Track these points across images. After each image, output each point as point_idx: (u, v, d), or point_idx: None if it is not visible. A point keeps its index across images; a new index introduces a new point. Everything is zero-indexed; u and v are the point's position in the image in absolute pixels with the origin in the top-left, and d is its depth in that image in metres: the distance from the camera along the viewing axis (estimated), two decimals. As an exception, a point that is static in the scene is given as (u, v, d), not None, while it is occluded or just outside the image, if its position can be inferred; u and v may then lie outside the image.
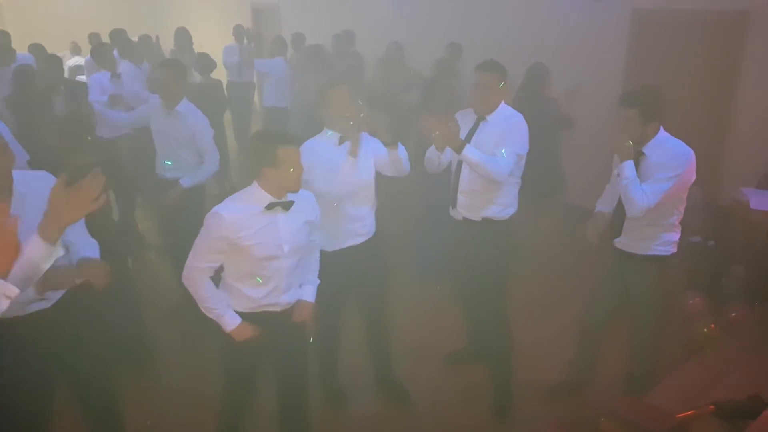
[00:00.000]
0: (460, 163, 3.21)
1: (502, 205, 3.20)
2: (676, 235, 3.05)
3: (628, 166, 2.86)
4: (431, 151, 3.19)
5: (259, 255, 2.48)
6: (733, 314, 4.25)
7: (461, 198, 3.26)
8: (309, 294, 2.79)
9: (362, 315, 3.45)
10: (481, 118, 3.17)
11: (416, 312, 4.47)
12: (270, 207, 2.46)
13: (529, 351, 3.84)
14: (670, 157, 2.85)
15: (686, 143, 2.90)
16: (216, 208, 2.45)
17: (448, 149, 3.07)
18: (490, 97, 3.11)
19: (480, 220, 3.23)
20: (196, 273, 2.50)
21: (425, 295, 4.69)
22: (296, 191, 2.52)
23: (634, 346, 3.37)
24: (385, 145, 3.02)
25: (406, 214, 5.36)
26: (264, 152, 2.41)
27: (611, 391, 3.42)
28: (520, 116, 3.13)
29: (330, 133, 2.99)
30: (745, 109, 5.21)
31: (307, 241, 2.67)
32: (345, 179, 2.93)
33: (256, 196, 2.47)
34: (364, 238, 3.17)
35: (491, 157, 2.99)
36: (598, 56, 5.99)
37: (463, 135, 3.03)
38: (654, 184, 2.84)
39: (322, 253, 2.93)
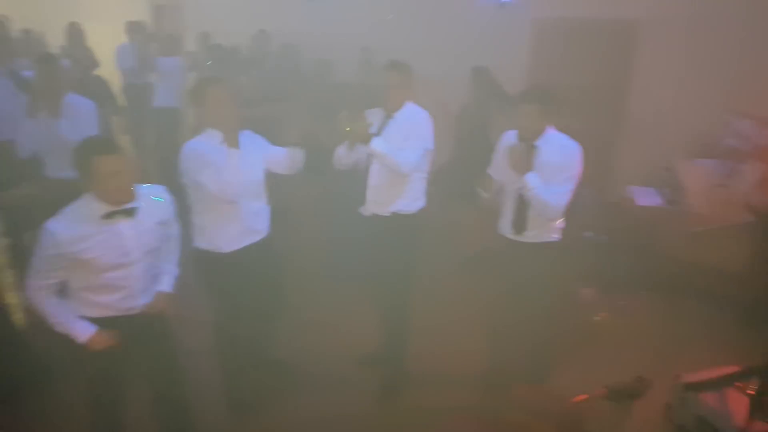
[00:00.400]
0: (370, 160, 3.25)
1: (410, 199, 3.29)
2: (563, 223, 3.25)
3: (532, 177, 2.98)
4: (342, 148, 3.22)
5: (103, 266, 2.34)
6: (622, 303, 4.54)
7: (370, 193, 3.32)
8: (166, 284, 2.65)
9: (263, 318, 3.38)
10: (388, 116, 3.24)
11: (330, 314, 4.43)
12: (108, 216, 2.33)
13: (437, 344, 3.91)
14: (565, 156, 3.01)
15: (581, 146, 3.06)
16: (47, 223, 2.26)
17: (359, 148, 3.13)
18: (397, 96, 3.20)
19: (389, 214, 3.28)
20: (36, 292, 2.33)
21: (338, 295, 4.66)
22: (127, 201, 2.36)
23: (534, 335, 3.50)
24: (290, 144, 3.02)
25: (317, 215, 5.32)
26: (80, 164, 2.26)
27: (514, 381, 3.54)
28: (425, 113, 3.24)
29: (211, 132, 2.94)
30: (633, 114, 5.61)
31: (160, 242, 2.56)
32: (234, 178, 2.88)
33: (90, 207, 2.32)
34: (261, 236, 3.14)
35: (398, 150, 3.08)
36: (502, 61, 6.22)
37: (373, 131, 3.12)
38: (562, 185, 3.00)
39: (220, 255, 2.86)
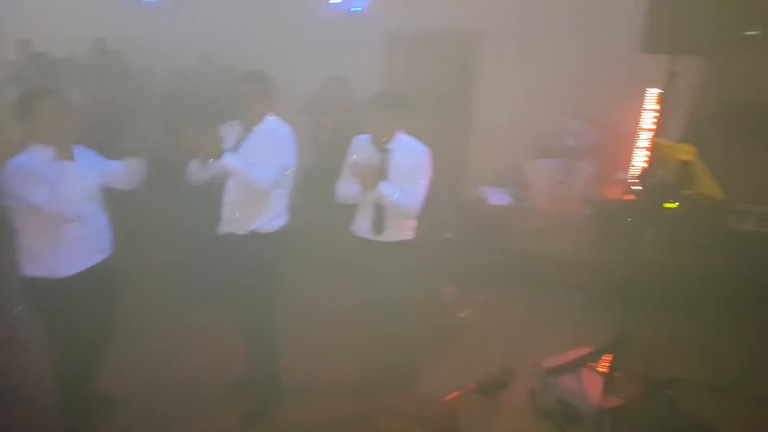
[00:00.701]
0: (226, 176, 3.06)
1: (270, 217, 3.11)
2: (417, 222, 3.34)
3: (385, 186, 2.99)
4: (194, 162, 2.98)
5: None
6: (482, 298, 4.74)
7: (226, 210, 3.11)
8: None
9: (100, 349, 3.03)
10: (247, 130, 3.06)
11: (185, 341, 4.08)
12: None
13: (307, 358, 3.77)
14: (415, 159, 3.09)
15: (434, 151, 3.17)
16: None
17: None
18: (255, 109, 3.03)
19: (246, 233, 3.09)
20: None
21: (193, 321, 4.32)
22: None
23: (401, 337, 3.50)
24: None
25: (168, 234, 4.93)
26: None
27: (385, 386, 3.51)
28: (287, 128, 3.10)
29: (39, 148, 2.63)
30: (481, 119, 5.94)
31: None
32: (71, 194, 2.60)
33: None
34: (103, 255, 2.83)
35: (252, 166, 2.91)
36: (356, 69, 6.27)
37: (230, 146, 2.94)
38: (415, 186, 3.08)
39: (56, 281, 2.57)
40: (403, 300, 3.28)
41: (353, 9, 6.54)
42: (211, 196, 3.16)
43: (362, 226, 3.21)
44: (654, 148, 2.77)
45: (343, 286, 3.38)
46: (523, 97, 5.58)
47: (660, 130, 3.93)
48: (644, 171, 3.26)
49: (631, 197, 3.88)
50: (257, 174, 2.91)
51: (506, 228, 4.86)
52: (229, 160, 2.86)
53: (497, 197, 5.09)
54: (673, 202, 2.59)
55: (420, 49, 6.17)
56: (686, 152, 2.22)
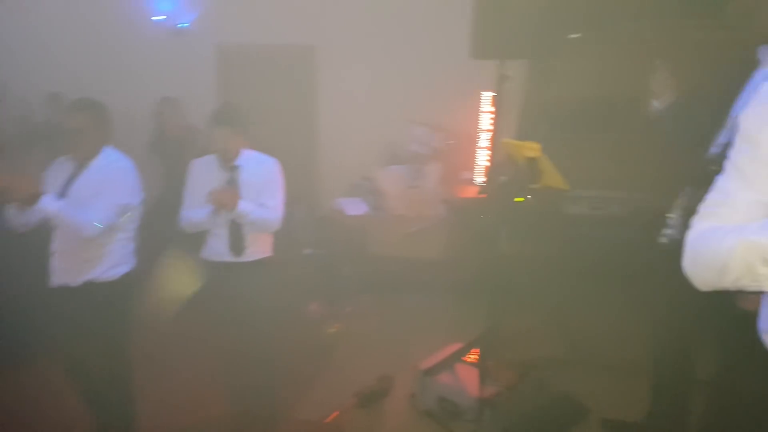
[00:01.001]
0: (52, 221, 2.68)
1: (109, 265, 2.77)
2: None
3: (244, 205, 2.94)
4: (10, 208, 2.57)
5: None
6: (349, 310, 4.73)
7: (55, 260, 2.72)
8: None
9: None
10: (81, 166, 2.70)
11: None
12: None
13: (174, 405, 3.46)
14: (266, 172, 3.07)
15: (283, 167, 3.15)
16: None
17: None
18: (86, 141, 2.68)
19: (80, 284, 2.73)
20: None
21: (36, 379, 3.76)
22: None
23: (272, 362, 3.37)
24: None
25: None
26: None
27: (261, 419, 3.34)
28: (126, 162, 2.78)
29: None
30: (328, 130, 5.94)
31: None
32: None
33: None
34: None
35: (77, 209, 2.56)
36: (187, 90, 5.94)
37: (59, 185, 2.61)
38: (274, 199, 3.05)
39: None
40: (270, 322, 3.16)
41: (180, 25, 6.19)
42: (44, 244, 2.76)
43: (218, 249, 3.06)
44: (502, 147, 2.95)
45: (205, 317, 3.17)
46: (365, 107, 5.69)
47: (499, 130, 4.23)
48: (493, 169, 3.50)
49: (484, 195, 4.14)
50: (83, 218, 2.55)
51: (367, 237, 4.90)
52: (46, 204, 2.46)
53: (354, 207, 5.12)
54: (522, 197, 2.77)
55: (254, 64, 6.02)
56: (533, 149, 2.39)
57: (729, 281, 1.14)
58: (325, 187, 5.91)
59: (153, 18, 6.07)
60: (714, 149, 2.28)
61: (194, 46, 6.03)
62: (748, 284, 1.12)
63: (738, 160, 1.20)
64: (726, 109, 2.26)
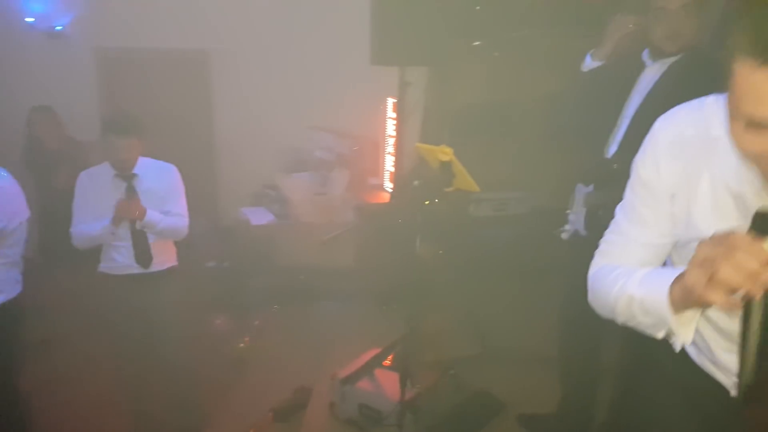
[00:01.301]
0: None
1: None
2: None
3: (152, 214, 2.91)
4: None
5: None
6: (257, 323, 4.60)
7: None
8: None
9: None
10: None
11: None
12: None
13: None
14: (166, 179, 3.04)
15: (181, 175, 3.12)
16: None
17: None
18: None
19: None
20: None
21: None
22: None
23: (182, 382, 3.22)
24: None
25: None
26: None
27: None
28: (8, 182, 2.55)
29: None
30: (225, 138, 5.73)
31: None
32: None
33: None
34: None
35: None
36: (64, 98, 5.49)
37: None
38: (178, 206, 3.06)
39: None
40: (181, 335, 3.09)
41: (57, 27, 5.72)
42: None
43: (122, 262, 2.96)
44: (415, 152, 2.99)
45: (113, 334, 2.97)
46: (266, 113, 5.56)
47: (404, 135, 4.30)
48: (400, 174, 3.54)
49: (392, 199, 4.18)
50: None
51: (275, 247, 4.79)
52: None
53: (259, 217, 4.99)
54: (432, 200, 2.82)
55: (140, 70, 5.67)
56: (445, 153, 2.43)
57: (620, 321, 1.23)
58: (227, 196, 5.71)
59: (25, 20, 5.56)
60: (612, 148, 2.44)
61: (71, 51, 5.58)
62: (635, 327, 1.20)
63: (635, 202, 1.25)
64: (619, 109, 2.44)
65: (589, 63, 2.57)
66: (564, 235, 2.76)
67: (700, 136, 1.11)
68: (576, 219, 2.64)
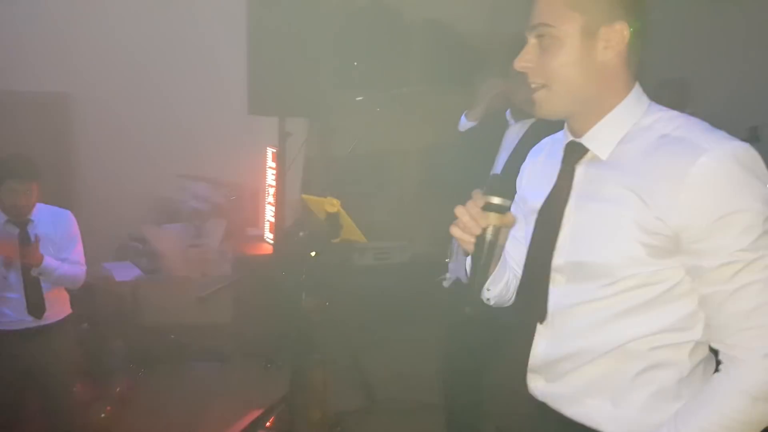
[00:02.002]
0: None
1: None
2: None
3: (50, 261, 2.82)
4: None
5: None
6: (119, 389, 4.18)
7: None
8: None
9: None
10: None
11: None
12: None
13: None
14: (62, 225, 2.97)
15: None
16: None
17: None
18: None
19: None
20: None
21: None
22: None
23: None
24: None
25: None
26: None
27: None
28: None
29: None
30: (87, 185, 5.26)
31: None
32: None
33: None
34: None
35: None
36: None
37: None
38: (76, 254, 3.02)
39: None
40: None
41: None
42: None
43: (13, 315, 2.82)
44: (302, 203, 2.96)
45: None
46: (135, 161, 5.21)
47: (284, 185, 4.23)
48: (280, 224, 3.46)
49: (274, 251, 4.05)
50: None
51: (142, 305, 4.41)
52: None
53: (124, 272, 4.59)
54: (318, 251, 2.79)
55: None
56: (333, 205, 2.44)
57: None
58: (87, 251, 5.18)
59: None
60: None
61: None
62: None
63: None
64: (490, 164, 2.62)
65: (464, 123, 2.77)
66: (445, 283, 2.85)
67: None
68: (455, 267, 2.74)
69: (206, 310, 4.37)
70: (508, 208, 1.21)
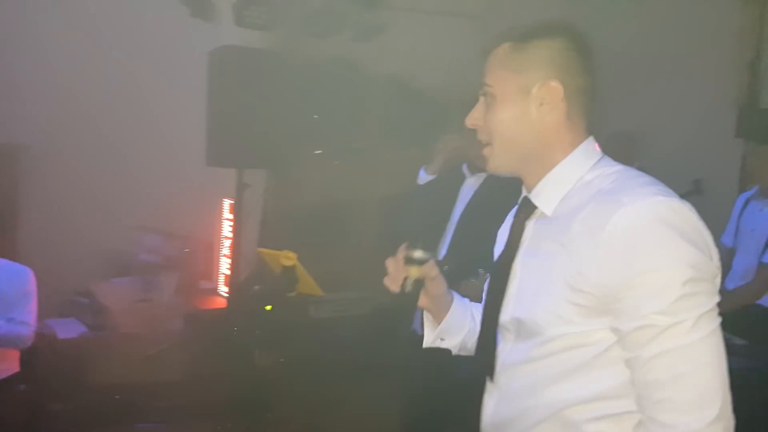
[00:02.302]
0: None
1: None
2: None
3: None
4: None
5: None
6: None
7: None
8: None
9: None
10: None
11: None
12: None
13: None
14: (17, 281, 2.96)
15: None
16: None
17: None
18: None
19: None
20: None
21: None
22: None
23: None
24: None
25: None
26: None
27: None
28: None
29: None
30: (29, 239, 5.04)
31: None
32: None
33: None
34: None
35: None
36: None
37: None
38: (26, 313, 2.99)
39: None
40: None
41: None
42: None
43: None
44: (258, 256, 2.90)
45: None
46: (82, 213, 5.04)
47: (240, 237, 4.14)
48: (235, 278, 3.37)
49: (228, 305, 3.93)
50: None
51: (86, 364, 4.18)
52: None
53: (68, 329, 4.37)
54: (274, 305, 2.72)
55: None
56: (289, 258, 2.39)
57: None
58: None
59: None
60: (443, 251, 2.62)
61: None
62: None
63: None
64: (447, 216, 2.66)
65: (424, 176, 2.82)
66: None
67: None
68: (414, 318, 2.71)
69: (154, 368, 4.17)
70: (427, 261, 1.33)
